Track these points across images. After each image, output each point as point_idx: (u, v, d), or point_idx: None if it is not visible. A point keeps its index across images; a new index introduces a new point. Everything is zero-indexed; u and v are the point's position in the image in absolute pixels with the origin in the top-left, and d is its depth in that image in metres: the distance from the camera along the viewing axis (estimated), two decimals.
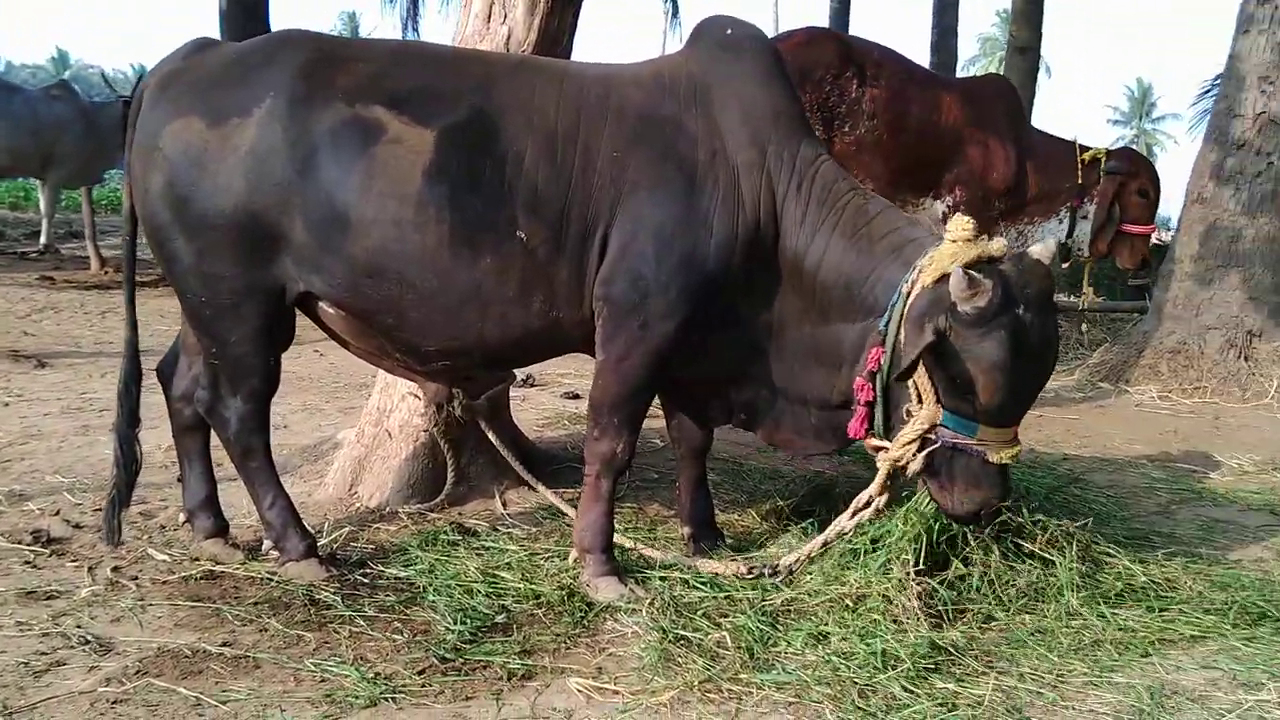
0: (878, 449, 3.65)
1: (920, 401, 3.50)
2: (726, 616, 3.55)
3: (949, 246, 3.45)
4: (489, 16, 4.75)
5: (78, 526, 4.29)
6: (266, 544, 4.00)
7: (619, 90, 3.79)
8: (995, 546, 3.84)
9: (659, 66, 3.93)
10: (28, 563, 3.91)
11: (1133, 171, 8.40)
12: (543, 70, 3.88)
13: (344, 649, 3.29)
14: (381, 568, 3.94)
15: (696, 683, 3.09)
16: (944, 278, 3.39)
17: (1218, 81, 9.62)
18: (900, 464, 3.59)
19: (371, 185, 3.55)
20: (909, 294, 3.49)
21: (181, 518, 4.21)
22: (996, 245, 3.48)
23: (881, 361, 3.52)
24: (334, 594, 3.67)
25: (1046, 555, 3.87)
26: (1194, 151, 9.56)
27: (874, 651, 3.23)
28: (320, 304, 3.78)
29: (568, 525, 4.30)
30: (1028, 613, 3.67)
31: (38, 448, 5.45)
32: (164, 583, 3.77)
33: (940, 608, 3.59)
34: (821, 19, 21.21)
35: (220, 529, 4.08)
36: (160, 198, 3.64)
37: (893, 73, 7.48)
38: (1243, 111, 8.92)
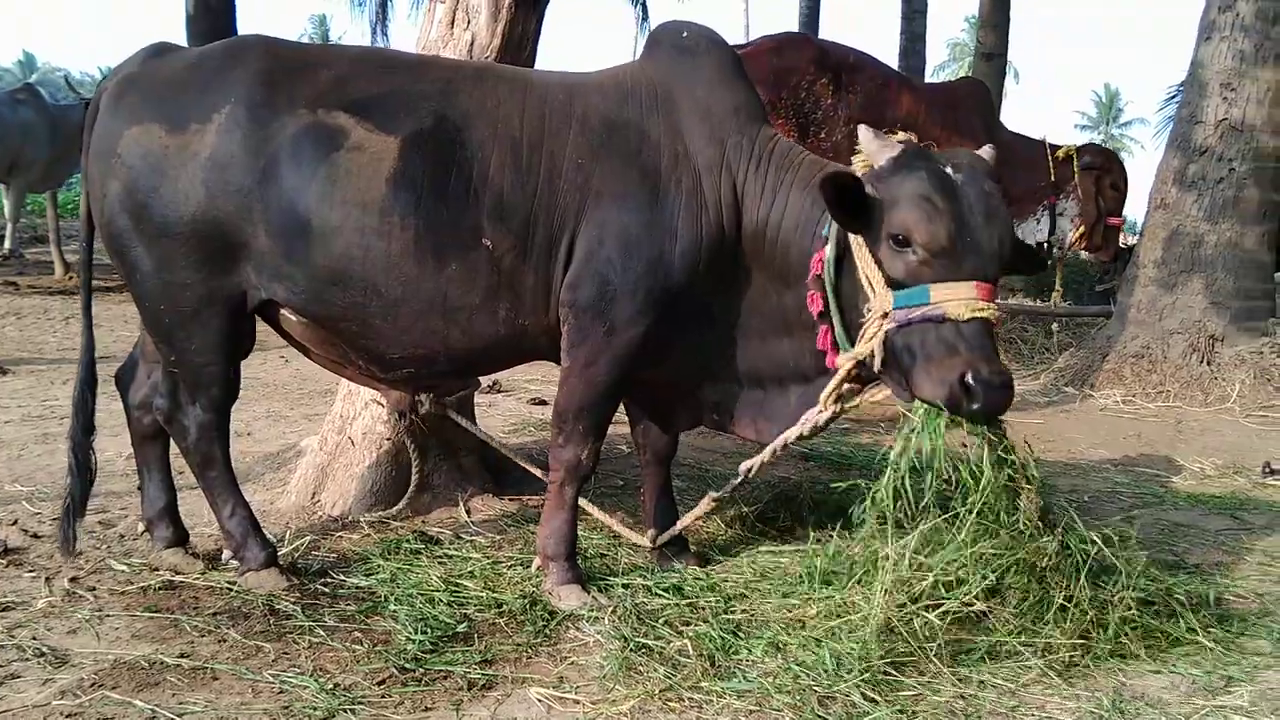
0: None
1: (874, 292, 3.41)
2: (689, 624, 3.55)
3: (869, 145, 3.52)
4: (452, 22, 4.74)
5: (35, 536, 4.25)
6: (226, 553, 3.97)
7: (582, 97, 3.79)
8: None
9: (620, 73, 3.94)
10: None
11: (1107, 166, 8.53)
12: (507, 77, 3.88)
13: (303, 660, 3.27)
14: (343, 577, 3.93)
15: (657, 691, 3.08)
16: None
17: (1182, 87, 9.70)
18: (862, 358, 3.47)
19: (334, 192, 3.53)
20: None
21: (141, 527, 4.18)
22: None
23: (826, 258, 3.51)
24: (294, 604, 3.65)
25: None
26: (1160, 156, 9.65)
27: (833, 655, 3.23)
28: (282, 312, 3.76)
29: (531, 533, 4.29)
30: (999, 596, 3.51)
31: None
32: (122, 593, 3.74)
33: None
34: (791, 22, 21.28)
35: (180, 538, 4.05)
36: (119, 205, 3.61)
37: (868, 77, 7.52)
38: (1205, 118, 9.01)
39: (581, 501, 4.04)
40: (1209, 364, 8.63)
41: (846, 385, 3.61)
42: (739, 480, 3.93)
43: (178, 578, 3.87)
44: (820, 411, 3.68)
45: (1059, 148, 8.55)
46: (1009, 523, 3.42)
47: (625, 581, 3.92)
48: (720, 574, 4.04)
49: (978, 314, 3.26)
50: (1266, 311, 9.09)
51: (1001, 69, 16.99)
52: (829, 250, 3.50)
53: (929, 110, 7.85)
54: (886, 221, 3.34)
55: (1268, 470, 6.26)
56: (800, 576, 3.84)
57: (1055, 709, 3.12)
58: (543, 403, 7.14)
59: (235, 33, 14.71)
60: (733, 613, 3.66)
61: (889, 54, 19.90)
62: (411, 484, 4.62)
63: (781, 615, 3.59)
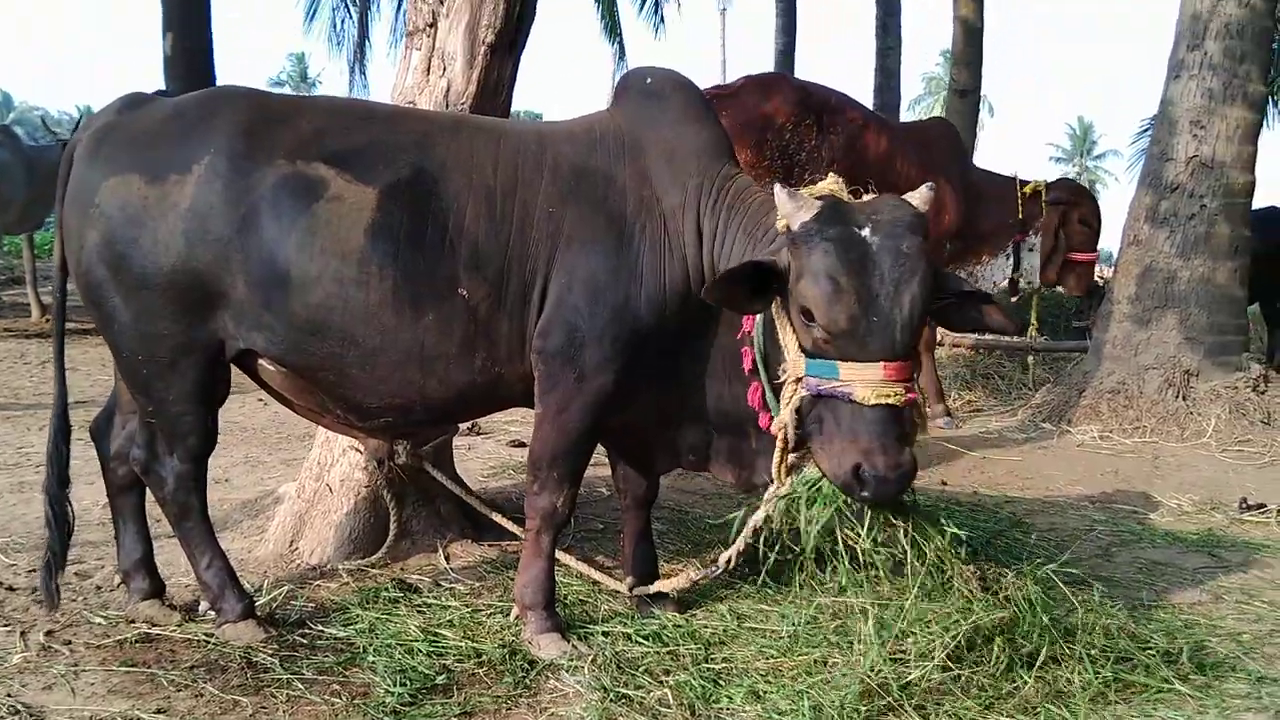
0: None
1: (789, 357, 3.35)
2: (669, 673, 3.55)
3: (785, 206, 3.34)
4: (428, 69, 4.77)
5: (11, 589, 4.21)
6: (204, 605, 3.95)
7: (554, 146, 3.82)
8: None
9: (591, 121, 3.97)
10: None
11: (1073, 201, 8.67)
12: (483, 128, 3.91)
13: (281, 714, 3.26)
14: (321, 627, 3.91)
15: None
16: None
17: (1153, 121, 9.82)
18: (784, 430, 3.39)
19: (313, 243, 3.54)
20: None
21: (117, 578, 4.15)
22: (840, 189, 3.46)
23: (757, 317, 3.47)
24: (272, 656, 3.63)
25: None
26: (1134, 189, 9.74)
27: (813, 706, 3.22)
28: (260, 361, 3.75)
29: (510, 579, 4.28)
30: (965, 661, 3.53)
31: None
32: (98, 647, 3.71)
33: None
34: (766, 58, 21.46)
35: (156, 590, 4.03)
36: (97, 255, 3.61)
37: (849, 119, 7.61)
38: (1176, 155, 9.10)
39: (559, 553, 4.03)
40: (1184, 399, 8.68)
41: (793, 455, 3.48)
42: (718, 570, 3.88)
43: (154, 630, 3.85)
44: (777, 487, 3.59)
45: (1027, 183, 8.69)
46: (946, 594, 3.47)
47: (605, 629, 3.91)
48: (700, 620, 4.04)
49: (882, 400, 3.15)
50: (1240, 346, 9.16)
51: (975, 104, 17.12)
52: (758, 319, 3.47)
53: (904, 150, 7.95)
54: (795, 293, 3.26)
55: (1244, 506, 6.28)
56: (780, 629, 3.83)
57: None
58: (522, 445, 7.13)
59: (213, 72, 14.84)
60: (713, 661, 3.66)
61: (863, 89, 20.13)
62: (390, 532, 4.61)
63: (761, 664, 3.59)
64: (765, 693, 3.37)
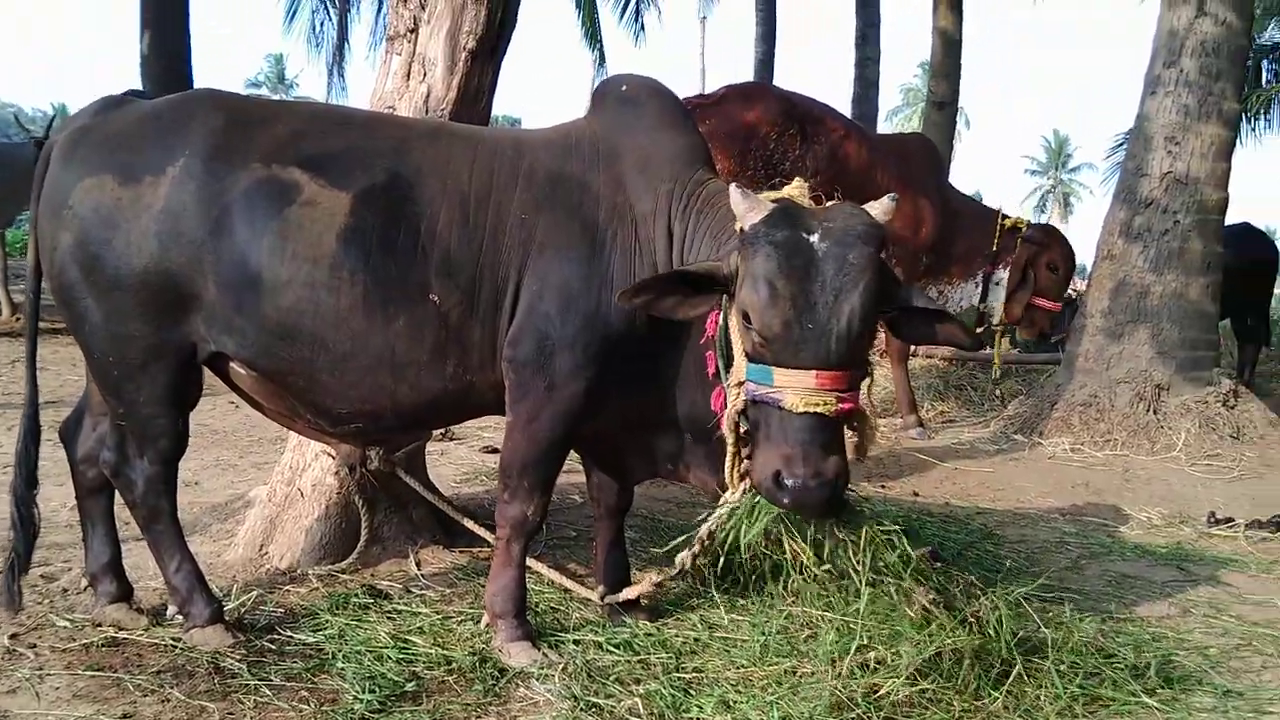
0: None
1: (735, 361, 3.34)
2: (640, 682, 3.54)
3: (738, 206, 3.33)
4: (408, 74, 4.76)
5: None
6: (172, 609, 3.92)
7: (530, 153, 3.82)
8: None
9: (568, 129, 3.97)
10: None
11: (1046, 244, 8.74)
12: (458, 134, 3.90)
13: (249, 719, 3.23)
14: (290, 633, 3.88)
15: None
16: None
17: (1129, 135, 9.90)
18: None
19: (286, 247, 3.52)
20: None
21: (84, 581, 4.11)
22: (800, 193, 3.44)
23: (720, 320, 3.44)
24: (240, 661, 3.60)
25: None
26: (1108, 202, 9.81)
27: (783, 716, 3.22)
28: (232, 364, 3.73)
29: (482, 586, 4.26)
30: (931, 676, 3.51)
31: None
32: (64, 650, 3.67)
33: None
34: (746, 67, 21.48)
35: (124, 593, 3.99)
36: (70, 256, 3.58)
37: (831, 129, 7.64)
38: (1150, 171, 9.18)
39: (530, 560, 4.02)
40: (1155, 413, 8.74)
41: (746, 460, 3.42)
42: (676, 571, 3.87)
43: (121, 634, 3.81)
44: (731, 492, 3.56)
45: (1009, 218, 8.77)
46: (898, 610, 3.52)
47: (576, 637, 3.90)
48: (672, 629, 4.03)
49: (810, 408, 3.10)
50: (1211, 361, 9.23)
51: (953, 117, 17.22)
52: (722, 313, 3.45)
53: (884, 162, 8.00)
54: (738, 296, 3.25)
55: (1212, 520, 6.33)
56: (751, 639, 3.82)
57: None
58: (494, 450, 7.11)
59: (190, 73, 14.76)
60: (684, 670, 3.65)
61: (841, 98, 20.20)
62: (361, 537, 4.58)
63: (732, 674, 3.58)
64: (735, 703, 3.37)
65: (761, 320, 3.14)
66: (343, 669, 3.57)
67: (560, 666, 3.61)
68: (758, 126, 7.17)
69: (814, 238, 3.15)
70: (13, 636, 3.75)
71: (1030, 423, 9.11)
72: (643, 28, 24.40)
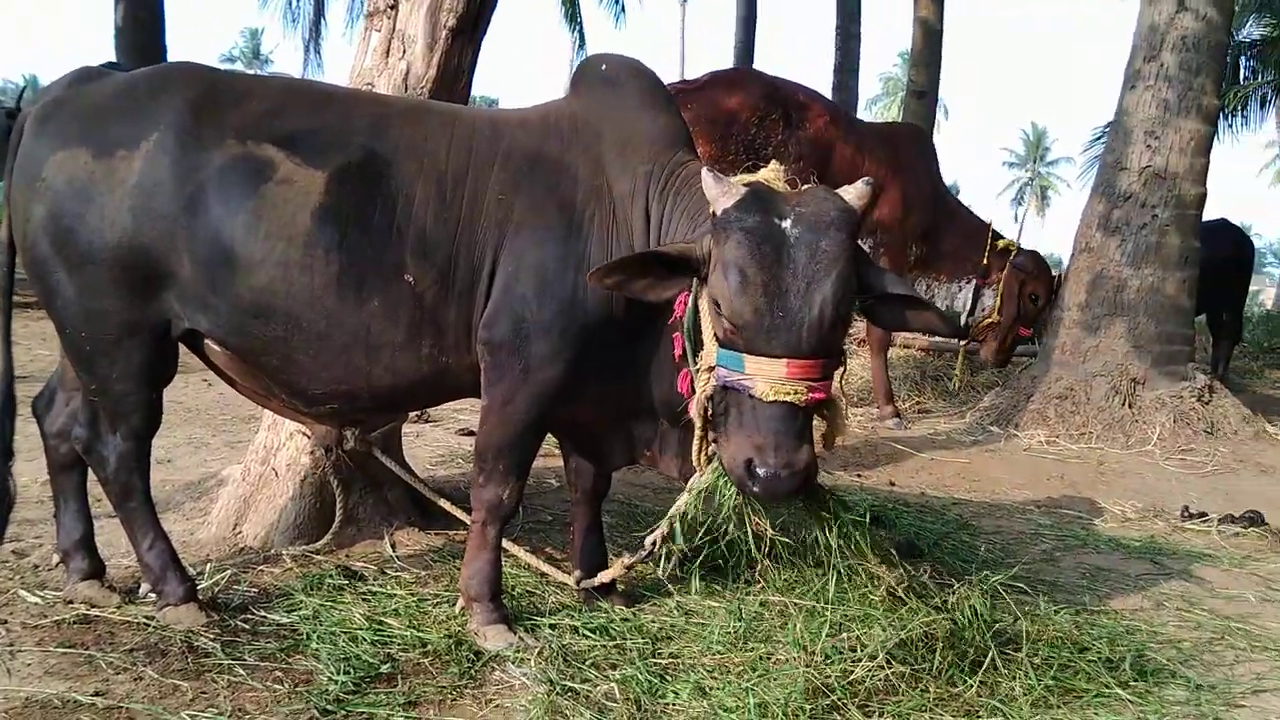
0: None
1: (705, 345, 3.30)
2: (616, 667, 3.53)
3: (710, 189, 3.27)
4: (388, 52, 4.71)
5: None
6: (144, 587, 3.88)
7: (509, 133, 3.78)
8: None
9: (547, 109, 3.95)
10: None
11: (1034, 274, 8.80)
12: (436, 113, 3.86)
13: (222, 700, 3.20)
14: (264, 613, 3.85)
15: None
16: None
17: (1108, 129, 9.93)
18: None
19: (260, 225, 3.48)
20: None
21: (56, 558, 4.06)
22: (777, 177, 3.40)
23: (689, 303, 3.39)
24: (213, 641, 3.57)
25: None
26: (1085, 196, 9.84)
27: (759, 703, 3.22)
28: (206, 342, 3.70)
29: (457, 568, 4.24)
30: (907, 662, 3.52)
31: None
32: (35, 627, 3.64)
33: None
34: (725, 50, 21.47)
35: (96, 570, 3.95)
36: (42, 229, 3.53)
37: (817, 115, 7.63)
38: (1129, 165, 9.21)
39: (507, 543, 4.00)
40: (1130, 406, 8.79)
41: (713, 444, 3.38)
42: (645, 553, 3.83)
43: (93, 611, 3.78)
44: (700, 476, 3.54)
45: (1002, 237, 8.83)
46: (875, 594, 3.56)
47: (552, 622, 3.89)
48: (648, 614, 4.03)
49: (781, 397, 3.07)
50: (1186, 356, 9.29)
51: (932, 107, 17.26)
52: (692, 295, 3.40)
53: (871, 148, 8.00)
54: (709, 281, 3.22)
55: (1186, 514, 6.37)
56: (727, 624, 3.83)
57: None
58: (471, 433, 7.05)
59: (164, 46, 14.63)
60: (660, 655, 3.64)
61: (822, 86, 20.19)
62: (336, 518, 4.55)
63: (708, 659, 3.58)
64: (711, 689, 3.37)
65: (732, 308, 3.10)
66: (317, 650, 3.54)
67: (536, 650, 3.59)
68: (739, 112, 7.17)
69: (786, 223, 3.11)
70: None
71: (1006, 414, 9.14)
72: (623, 9, 24.42)
